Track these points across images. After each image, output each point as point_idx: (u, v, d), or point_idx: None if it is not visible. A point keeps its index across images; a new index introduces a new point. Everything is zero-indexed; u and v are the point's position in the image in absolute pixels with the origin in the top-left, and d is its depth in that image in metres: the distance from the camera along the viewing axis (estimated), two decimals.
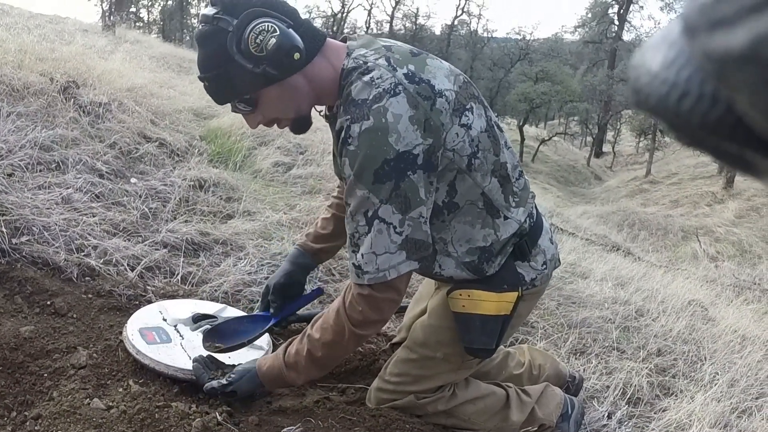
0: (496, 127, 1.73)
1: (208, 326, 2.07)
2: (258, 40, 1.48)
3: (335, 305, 1.68)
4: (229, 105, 1.65)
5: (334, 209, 2.14)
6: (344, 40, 1.70)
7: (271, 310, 2.14)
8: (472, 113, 1.64)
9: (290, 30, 1.52)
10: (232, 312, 2.32)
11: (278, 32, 1.49)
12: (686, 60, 0.30)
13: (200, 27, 1.56)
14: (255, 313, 2.17)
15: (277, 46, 1.49)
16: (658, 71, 0.31)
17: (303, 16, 1.62)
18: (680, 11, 0.30)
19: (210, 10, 1.53)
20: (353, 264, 1.58)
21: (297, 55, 1.52)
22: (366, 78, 1.53)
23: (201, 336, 2.01)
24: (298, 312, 2.39)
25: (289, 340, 1.80)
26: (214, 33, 1.52)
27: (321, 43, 1.62)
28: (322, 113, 1.79)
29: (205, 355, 1.91)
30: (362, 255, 1.55)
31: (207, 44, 1.55)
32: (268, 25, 1.49)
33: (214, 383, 1.78)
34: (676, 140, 0.33)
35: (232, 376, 1.79)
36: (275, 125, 1.71)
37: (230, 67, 1.53)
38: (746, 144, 0.29)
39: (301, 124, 1.72)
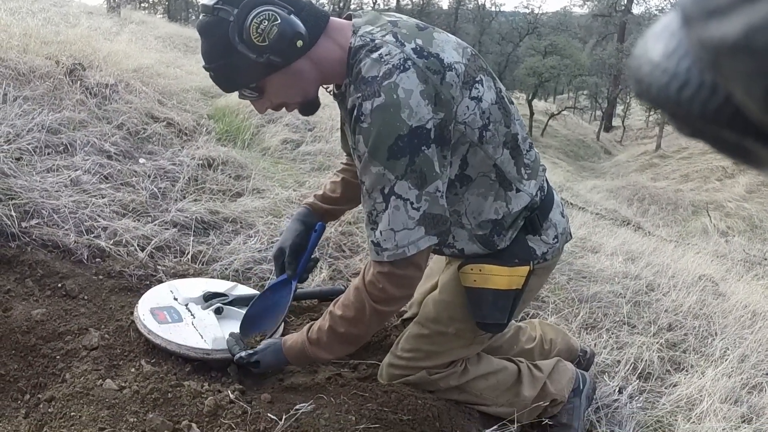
0: (506, 99, 1.72)
1: (239, 313, 2.10)
2: (260, 30, 1.47)
3: (355, 283, 1.67)
4: None
5: (342, 173, 2.13)
6: (349, 18, 1.68)
7: (289, 272, 2.06)
8: (482, 85, 1.62)
9: (292, 16, 1.51)
10: (243, 290, 2.33)
11: (279, 20, 1.48)
12: (687, 50, 0.30)
13: (201, 17, 1.56)
14: (272, 281, 2.14)
15: (280, 35, 1.48)
16: (659, 61, 0.32)
17: None
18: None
19: (210, 0, 1.52)
20: (372, 241, 1.58)
21: (300, 43, 1.52)
22: (374, 55, 1.52)
23: (228, 333, 2.02)
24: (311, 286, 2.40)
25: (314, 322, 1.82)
26: (216, 24, 1.51)
27: (324, 24, 1.60)
28: (329, 91, 1.78)
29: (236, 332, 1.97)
30: (381, 232, 1.55)
31: (209, 35, 1.54)
32: (269, 14, 1.48)
33: (243, 353, 1.84)
34: (677, 130, 0.34)
35: (259, 346, 1.84)
36: (284, 108, 1.71)
37: (234, 58, 1.53)
38: (745, 133, 0.29)
39: (310, 107, 1.72)
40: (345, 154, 2.12)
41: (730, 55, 0.26)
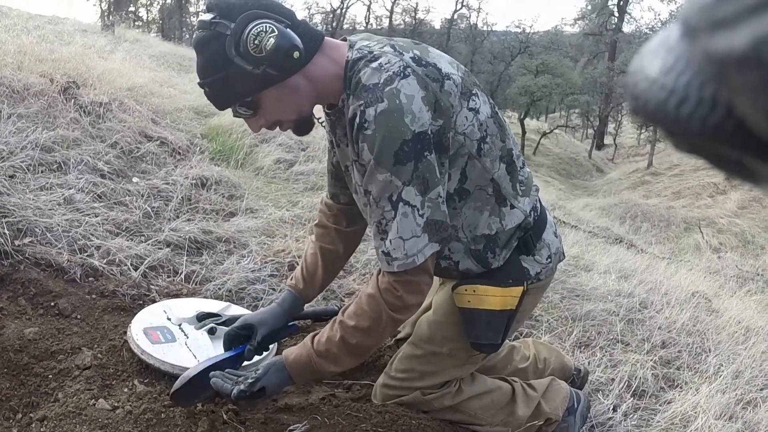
0: (499, 115, 1.74)
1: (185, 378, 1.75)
2: (257, 41, 1.48)
3: (368, 291, 1.63)
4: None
5: (317, 241, 2.07)
6: (344, 40, 1.70)
7: (250, 345, 1.93)
8: (478, 98, 1.64)
9: (288, 30, 1.52)
10: (237, 310, 2.32)
11: (276, 32, 1.49)
12: (685, 65, 0.30)
13: (198, 33, 1.56)
14: (223, 355, 1.90)
15: (276, 46, 1.48)
16: (656, 77, 0.31)
17: (302, 12, 1.62)
18: (679, 12, 0.30)
19: (207, 16, 1.53)
20: (383, 251, 1.56)
21: (296, 54, 1.52)
22: (374, 64, 1.53)
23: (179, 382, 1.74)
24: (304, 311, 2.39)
25: (316, 331, 1.74)
26: (213, 38, 1.51)
27: (319, 42, 1.62)
28: (320, 120, 1.78)
29: (225, 371, 1.78)
30: (390, 241, 1.54)
31: (206, 49, 1.54)
32: (266, 26, 1.48)
33: (241, 386, 1.65)
34: (674, 147, 0.33)
35: (258, 372, 1.70)
36: (278, 128, 1.71)
37: (230, 71, 1.52)
38: (745, 149, 0.28)
39: (304, 126, 1.71)
40: (330, 197, 2.05)
41: (737, 68, 0.25)
